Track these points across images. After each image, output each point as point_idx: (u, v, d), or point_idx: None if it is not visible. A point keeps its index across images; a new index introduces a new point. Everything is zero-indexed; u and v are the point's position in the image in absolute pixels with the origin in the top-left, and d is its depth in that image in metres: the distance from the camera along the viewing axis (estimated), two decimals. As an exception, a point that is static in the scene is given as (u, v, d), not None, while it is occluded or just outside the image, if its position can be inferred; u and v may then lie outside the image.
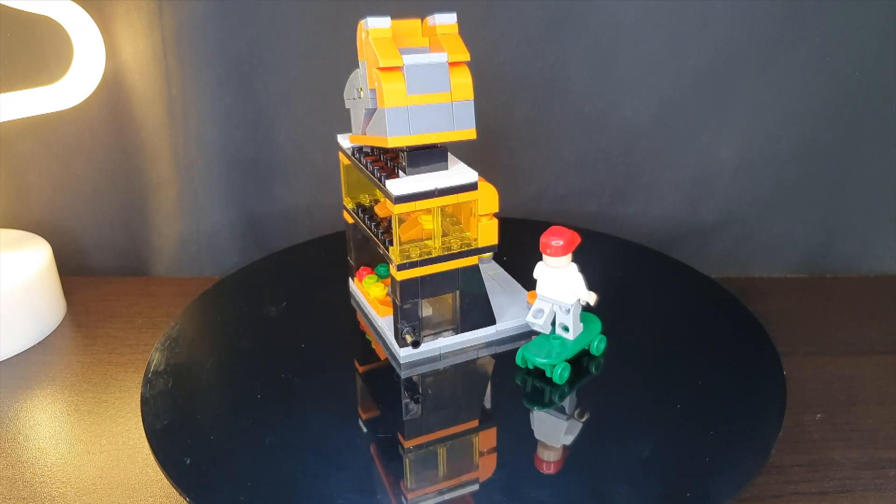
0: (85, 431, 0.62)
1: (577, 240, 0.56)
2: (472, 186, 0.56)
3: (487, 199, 0.57)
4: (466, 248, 0.58)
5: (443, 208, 0.56)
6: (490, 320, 0.61)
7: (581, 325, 0.58)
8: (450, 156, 0.58)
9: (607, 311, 0.64)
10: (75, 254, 0.87)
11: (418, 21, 0.56)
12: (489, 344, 0.61)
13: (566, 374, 0.57)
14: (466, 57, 0.53)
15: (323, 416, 0.54)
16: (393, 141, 0.53)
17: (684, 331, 0.64)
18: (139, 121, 0.81)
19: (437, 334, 0.60)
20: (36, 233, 0.82)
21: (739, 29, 0.76)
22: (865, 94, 0.79)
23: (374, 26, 0.53)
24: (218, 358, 0.62)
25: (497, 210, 0.57)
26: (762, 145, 0.81)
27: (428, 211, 0.56)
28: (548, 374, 0.56)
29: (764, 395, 0.55)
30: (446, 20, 0.54)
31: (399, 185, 0.54)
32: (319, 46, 0.78)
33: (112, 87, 0.79)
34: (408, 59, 0.53)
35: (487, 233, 0.57)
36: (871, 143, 0.81)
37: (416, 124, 0.54)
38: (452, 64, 0.53)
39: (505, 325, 0.61)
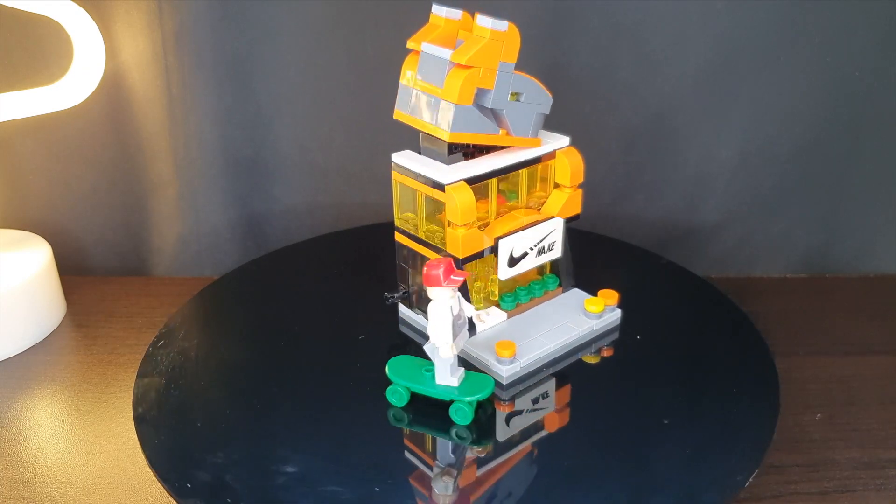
0: (85, 431, 0.62)
1: (446, 278, 0.51)
2: (438, 186, 0.56)
3: (452, 206, 0.56)
4: (438, 246, 0.58)
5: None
6: (472, 329, 0.60)
7: (453, 378, 0.53)
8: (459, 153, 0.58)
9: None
10: (75, 254, 0.87)
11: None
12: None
13: (397, 400, 0.54)
14: (462, 61, 0.53)
15: (322, 415, 0.54)
16: (395, 114, 0.59)
17: (676, 332, 0.64)
18: (139, 121, 0.81)
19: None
20: (36, 233, 0.82)
21: (739, 29, 0.76)
22: (865, 94, 0.79)
23: (434, 13, 0.57)
24: (214, 356, 0.62)
25: (460, 222, 0.56)
26: (762, 145, 0.81)
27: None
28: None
29: (758, 396, 0.55)
30: (481, 22, 0.54)
31: (403, 157, 0.59)
32: (319, 46, 0.78)
33: (112, 87, 0.79)
34: (424, 47, 0.55)
35: (451, 240, 0.57)
36: (871, 143, 0.81)
37: (414, 107, 0.57)
38: (459, 65, 0.53)
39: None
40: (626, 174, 0.84)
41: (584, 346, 0.61)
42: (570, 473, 0.49)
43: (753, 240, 0.86)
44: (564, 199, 0.62)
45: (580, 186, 0.63)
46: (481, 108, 0.56)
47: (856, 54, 0.77)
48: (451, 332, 0.51)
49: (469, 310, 0.54)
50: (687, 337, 0.63)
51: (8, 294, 0.70)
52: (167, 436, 0.52)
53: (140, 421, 0.54)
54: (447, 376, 0.53)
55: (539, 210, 0.63)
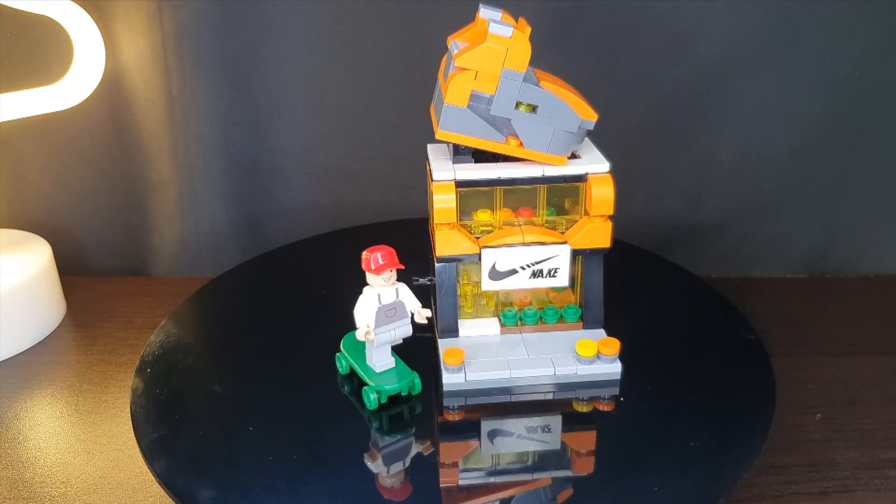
0: (85, 431, 0.62)
1: (375, 264, 0.53)
2: (432, 181, 0.56)
3: (436, 204, 0.55)
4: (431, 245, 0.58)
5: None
6: (453, 331, 0.59)
7: (376, 363, 0.55)
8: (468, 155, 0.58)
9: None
10: (75, 254, 0.87)
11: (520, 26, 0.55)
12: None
13: (340, 367, 0.58)
14: (456, 61, 0.53)
15: (321, 414, 0.54)
16: (431, 107, 0.59)
17: (674, 331, 0.63)
18: (139, 121, 0.81)
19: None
20: (36, 233, 0.82)
21: (739, 29, 0.76)
22: (865, 94, 0.79)
23: (478, 10, 0.56)
24: (212, 355, 0.62)
25: (436, 220, 0.55)
26: (762, 145, 0.81)
27: None
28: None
29: (755, 397, 0.55)
30: (490, 26, 0.53)
31: (433, 149, 0.60)
32: (319, 46, 0.78)
33: (112, 87, 0.79)
34: (451, 44, 0.56)
35: (433, 237, 0.57)
36: (871, 143, 0.81)
37: (434, 101, 0.58)
38: (459, 65, 0.53)
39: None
40: (626, 174, 0.84)
41: (561, 388, 0.56)
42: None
43: (753, 240, 0.86)
44: (585, 228, 0.57)
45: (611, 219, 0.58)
46: (485, 113, 0.54)
47: (856, 54, 0.77)
48: (373, 318, 0.53)
49: (413, 305, 0.55)
50: (685, 337, 0.63)
51: (8, 294, 0.70)
52: (165, 435, 0.52)
53: (137, 420, 0.54)
54: (372, 360, 0.55)
55: (564, 233, 0.58)
